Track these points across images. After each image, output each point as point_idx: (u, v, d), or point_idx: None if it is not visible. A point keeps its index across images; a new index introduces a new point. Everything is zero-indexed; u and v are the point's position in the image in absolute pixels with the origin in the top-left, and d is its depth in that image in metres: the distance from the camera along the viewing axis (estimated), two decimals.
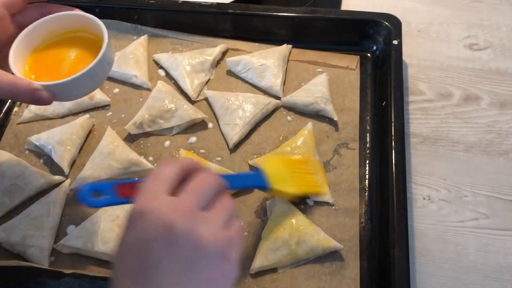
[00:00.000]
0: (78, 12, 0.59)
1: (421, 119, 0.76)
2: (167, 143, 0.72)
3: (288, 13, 0.81)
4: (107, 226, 0.62)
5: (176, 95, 0.75)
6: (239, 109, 0.72)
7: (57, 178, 0.68)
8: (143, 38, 0.84)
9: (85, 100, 0.75)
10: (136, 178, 0.41)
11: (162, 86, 0.76)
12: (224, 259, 0.40)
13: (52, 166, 0.70)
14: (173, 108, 0.72)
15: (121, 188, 0.45)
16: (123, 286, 0.37)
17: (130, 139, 0.72)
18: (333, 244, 0.60)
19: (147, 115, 0.72)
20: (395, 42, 0.76)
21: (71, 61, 0.57)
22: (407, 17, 0.90)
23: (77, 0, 0.85)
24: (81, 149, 0.71)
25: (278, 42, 0.82)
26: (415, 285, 0.60)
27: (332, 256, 0.61)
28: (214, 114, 0.75)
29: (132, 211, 0.39)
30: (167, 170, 0.42)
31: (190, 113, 0.72)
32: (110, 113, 0.76)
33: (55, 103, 0.74)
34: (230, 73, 0.80)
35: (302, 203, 0.66)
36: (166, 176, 0.41)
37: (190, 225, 0.38)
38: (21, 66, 0.55)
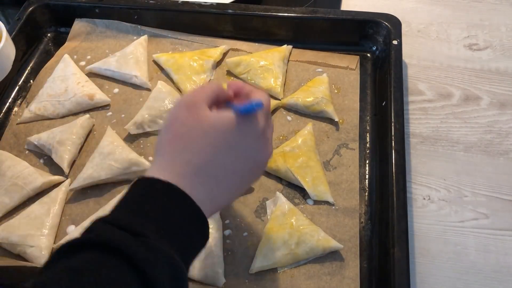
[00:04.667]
0: None
1: (421, 119, 0.76)
2: None
3: (288, 13, 0.81)
4: None
5: (176, 96, 0.75)
6: None
7: (57, 178, 0.68)
8: (143, 38, 0.84)
9: (85, 100, 0.75)
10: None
11: (162, 86, 0.76)
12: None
13: (52, 166, 0.70)
14: None
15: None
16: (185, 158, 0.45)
17: (130, 139, 0.72)
18: (333, 244, 0.60)
19: (147, 115, 0.72)
20: (395, 42, 0.76)
21: None
22: (407, 17, 0.90)
23: (78, 0, 0.85)
24: (81, 149, 0.71)
25: (278, 42, 0.82)
26: (415, 285, 0.60)
27: (332, 256, 0.61)
28: None
29: (257, 131, 0.48)
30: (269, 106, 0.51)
31: None
32: (110, 113, 0.76)
33: (55, 103, 0.75)
34: (230, 73, 0.80)
35: (302, 203, 0.66)
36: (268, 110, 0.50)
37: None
38: None
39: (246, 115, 0.46)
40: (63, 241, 0.62)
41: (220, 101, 0.50)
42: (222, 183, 0.46)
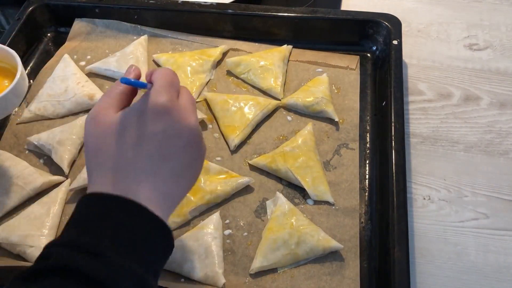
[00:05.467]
0: None
1: (421, 119, 0.76)
2: None
3: (288, 13, 0.81)
4: None
5: None
6: (239, 111, 0.72)
7: (57, 178, 0.68)
8: (143, 38, 0.84)
9: (85, 100, 0.75)
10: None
11: None
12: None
13: (52, 166, 0.70)
14: None
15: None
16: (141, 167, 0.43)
17: None
18: (333, 244, 0.60)
19: None
20: (395, 42, 0.76)
21: None
22: (407, 17, 0.90)
23: (77, 0, 0.85)
24: (81, 149, 0.71)
25: (278, 42, 0.82)
26: (415, 285, 0.60)
27: (332, 256, 0.61)
28: (214, 115, 0.75)
29: (158, 106, 0.44)
30: (175, 77, 0.48)
31: None
32: None
33: (55, 103, 0.75)
34: (230, 73, 0.80)
35: (302, 203, 0.66)
36: (176, 82, 0.48)
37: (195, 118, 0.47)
38: None
39: (144, 98, 0.45)
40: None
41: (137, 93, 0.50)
42: (160, 173, 0.44)
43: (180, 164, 0.45)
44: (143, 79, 0.50)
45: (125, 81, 0.47)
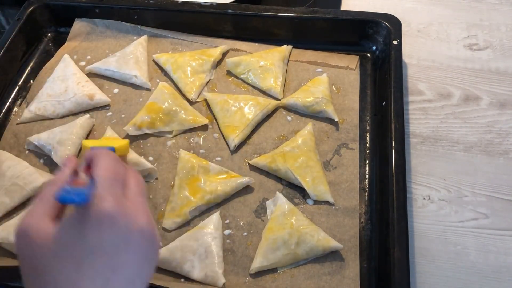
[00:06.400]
0: None
1: (421, 119, 0.76)
2: (167, 143, 0.72)
3: (288, 13, 0.81)
4: None
5: (176, 97, 0.75)
6: (239, 111, 0.72)
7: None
8: (143, 38, 0.84)
9: (85, 100, 0.75)
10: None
11: (162, 87, 0.76)
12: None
13: (52, 166, 0.70)
14: (173, 112, 0.72)
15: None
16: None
17: (130, 139, 0.72)
18: (333, 244, 0.60)
19: (146, 117, 0.72)
20: (395, 42, 0.76)
21: None
22: (407, 17, 0.90)
23: (77, 0, 0.85)
24: (80, 149, 0.71)
25: (278, 42, 0.82)
26: (415, 285, 0.60)
27: (332, 256, 0.61)
28: (214, 115, 0.75)
29: (101, 215, 0.39)
30: (118, 167, 0.43)
31: (190, 119, 0.73)
32: (110, 113, 0.76)
33: (55, 103, 0.75)
34: (230, 73, 0.80)
35: (302, 203, 0.66)
36: (120, 173, 0.43)
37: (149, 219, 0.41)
38: None
39: (85, 206, 0.39)
40: None
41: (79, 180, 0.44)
42: (112, 286, 0.38)
43: (133, 270, 0.39)
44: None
45: (61, 199, 0.40)
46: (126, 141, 0.61)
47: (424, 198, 0.68)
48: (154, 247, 0.42)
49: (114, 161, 0.44)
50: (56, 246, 0.38)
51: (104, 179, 0.41)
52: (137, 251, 0.39)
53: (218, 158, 0.70)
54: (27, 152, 0.72)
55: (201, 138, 0.73)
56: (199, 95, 0.77)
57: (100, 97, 0.76)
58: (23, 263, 0.39)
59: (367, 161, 0.70)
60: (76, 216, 0.39)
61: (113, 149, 0.53)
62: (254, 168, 0.69)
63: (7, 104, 0.78)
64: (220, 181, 0.66)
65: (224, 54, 0.83)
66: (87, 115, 0.74)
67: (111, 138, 0.71)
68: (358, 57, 0.81)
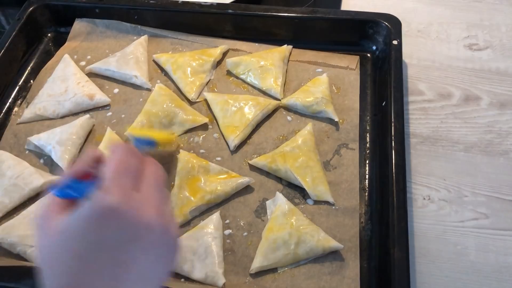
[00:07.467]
0: None
1: (421, 119, 0.76)
2: None
3: (288, 13, 0.81)
4: None
5: (175, 99, 0.75)
6: (239, 112, 0.72)
7: (57, 178, 0.68)
8: (143, 38, 0.84)
9: (85, 100, 0.75)
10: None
11: (160, 89, 0.75)
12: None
13: (52, 166, 0.70)
14: (172, 114, 0.72)
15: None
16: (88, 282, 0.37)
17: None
18: (333, 244, 0.60)
19: (145, 121, 0.72)
20: (395, 42, 0.76)
21: None
22: (407, 17, 0.90)
23: (78, 0, 0.85)
24: (81, 149, 0.71)
25: (278, 42, 0.82)
26: (415, 285, 0.60)
27: (332, 256, 0.61)
28: (214, 115, 0.75)
29: (104, 209, 0.37)
30: (130, 159, 0.41)
31: (190, 119, 0.73)
32: (110, 113, 0.76)
33: (55, 103, 0.75)
34: (230, 73, 0.80)
35: (302, 203, 0.66)
36: (132, 167, 0.41)
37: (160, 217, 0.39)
38: None
39: (91, 199, 0.38)
40: None
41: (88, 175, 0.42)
42: (124, 284, 0.37)
43: (145, 268, 0.38)
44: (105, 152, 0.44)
45: (58, 194, 0.40)
46: (172, 136, 0.57)
47: (424, 198, 0.68)
48: (168, 245, 0.40)
49: (128, 153, 0.41)
50: (66, 240, 0.38)
51: (112, 172, 0.39)
52: (146, 248, 0.38)
53: (218, 158, 0.70)
54: (27, 152, 0.72)
55: (201, 138, 0.73)
56: (199, 95, 0.77)
57: (100, 97, 0.76)
58: (43, 255, 0.39)
59: (367, 161, 0.70)
60: (82, 211, 0.38)
61: (153, 143, 0.50)
62: (254, 168, 0.69)
63: (7, 104, 0.78)
64: (220, 181, 0.66)
65: (224, 54, 0.83)
66: (87, 115, 0.74)
67: (159, 132, 0.67)
68: (358, 57, 0.81)
